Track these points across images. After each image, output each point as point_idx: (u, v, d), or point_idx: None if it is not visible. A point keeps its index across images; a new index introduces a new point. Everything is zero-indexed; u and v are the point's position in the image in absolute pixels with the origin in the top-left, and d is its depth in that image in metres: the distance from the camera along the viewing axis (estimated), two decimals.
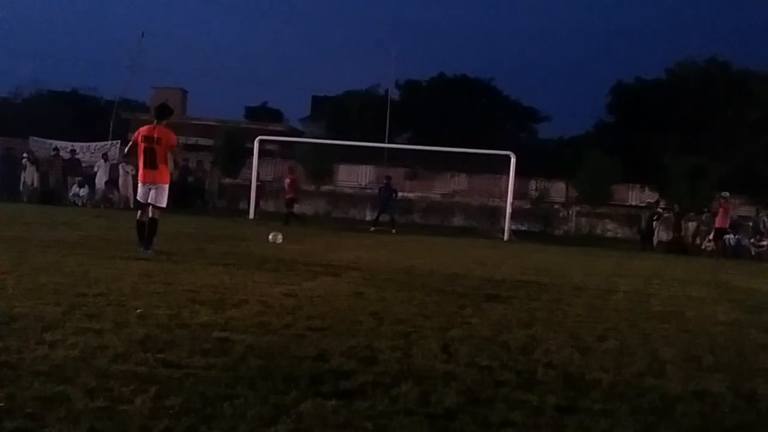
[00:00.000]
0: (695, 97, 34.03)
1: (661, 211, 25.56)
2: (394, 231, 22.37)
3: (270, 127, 36.22)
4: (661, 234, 25.91)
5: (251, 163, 27.26)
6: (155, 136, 10.15)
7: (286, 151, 34.69)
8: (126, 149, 11.29)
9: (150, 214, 10.23)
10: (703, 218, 24.95)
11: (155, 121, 10.34)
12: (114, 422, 3.07)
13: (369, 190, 31.02)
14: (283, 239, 13.86)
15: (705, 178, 27.17)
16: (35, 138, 30.17)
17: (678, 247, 23.86)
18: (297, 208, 24.77)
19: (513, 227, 24.80)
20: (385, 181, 25.24)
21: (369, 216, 25.75)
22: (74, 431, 2.94)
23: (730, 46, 76.39)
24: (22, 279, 6.74)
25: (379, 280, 8.79)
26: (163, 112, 10.54)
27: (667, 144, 30.40)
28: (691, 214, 25.61)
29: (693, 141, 30.10)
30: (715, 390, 4.39)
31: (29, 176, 27.43)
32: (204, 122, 35.97)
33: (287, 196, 24.42)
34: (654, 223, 25.25)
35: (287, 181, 24.95)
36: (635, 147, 31.97)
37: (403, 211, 28.48)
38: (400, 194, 26.47)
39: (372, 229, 22.79)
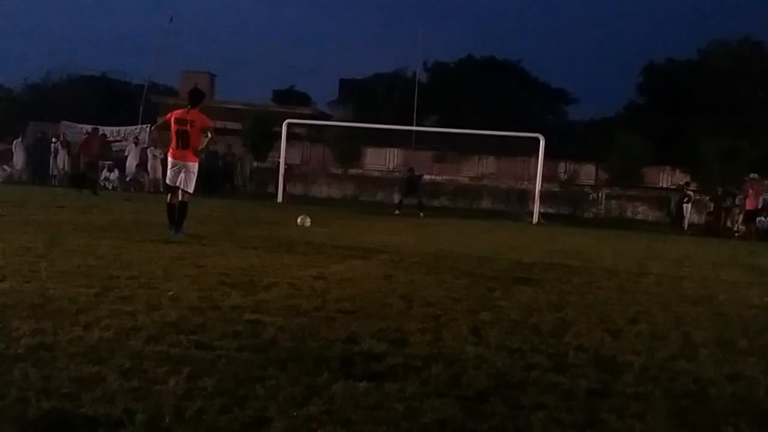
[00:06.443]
0: (728, 78, 33.52)
1: (691, 193, 25.23)
2: (421, 215, 22.32)
3: (298, 111, 36.26)
4: (692, 216, 25.60)
5: (279, 146, 27.37)
6: (189, 119, 10.28)
7: (314, 134, 34.75)
8: (157, 125, 11.38)
9: (180, 197, 10.33)
10: (736, 201, 24.63)
11: (189, 106, 10.45)
12: (149, 402, 3.10)
13: (397, 173, 31.01)
14: (311, 222, 13.92)
15: (737, 160, 26.77)
16: (66, 122, 30.53)
17: (713, 229, 23.57)
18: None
19: (542, 210, 24.63)
20: (408, 173, 25.25)
21: (397, 199, 25.76)
22: (110, 411, 2.97)
23: (763, 26, 74.95)
24: (55, 262, 6.82)
25: (408, 263, 8.78)
26: (197, 96, 10.64)
27: (698, 125, 29.97)
28: (729, 198, 25.23)
29: (725, 122, 29.64)
30: (750, 374, 4.33)
31: (61, 160, 27.77)
32: (232, 106, 36.07)
33: (84, 160, 22.66)
34: (684, 206, 24.94)
35: (84, 138, 22.99)
36: (666, 129, 31.58)
37: (431, 195, 28.43)
38: (427, 177, 26.36)
39: (397, 212, 22.76)
